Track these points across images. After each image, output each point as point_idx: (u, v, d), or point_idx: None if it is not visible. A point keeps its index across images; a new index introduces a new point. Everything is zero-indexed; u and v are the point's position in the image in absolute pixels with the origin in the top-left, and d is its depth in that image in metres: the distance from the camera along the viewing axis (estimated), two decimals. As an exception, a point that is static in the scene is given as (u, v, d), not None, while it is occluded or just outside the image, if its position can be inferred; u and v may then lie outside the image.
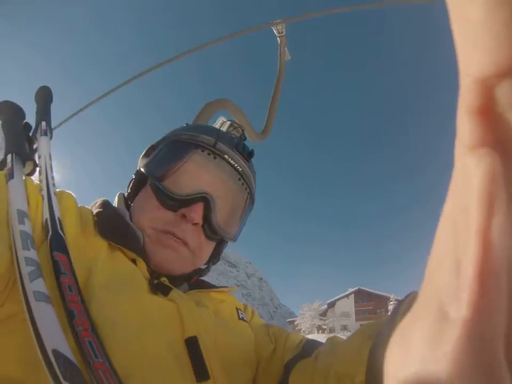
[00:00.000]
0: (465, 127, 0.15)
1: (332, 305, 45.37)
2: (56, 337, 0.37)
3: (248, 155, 0.77)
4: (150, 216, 0.68)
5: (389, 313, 0.43)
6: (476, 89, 0.14)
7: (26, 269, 0.42)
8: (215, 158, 0.70)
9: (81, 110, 2.01)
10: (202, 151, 0.70)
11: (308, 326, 41.69)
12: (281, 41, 1.77)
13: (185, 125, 0.82)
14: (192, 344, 0.52)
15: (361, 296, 44.57)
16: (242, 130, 0.87)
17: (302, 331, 40.38)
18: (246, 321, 0.75)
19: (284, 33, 1.74)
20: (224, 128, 0.85)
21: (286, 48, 1.80)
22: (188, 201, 0.66)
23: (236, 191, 0.76)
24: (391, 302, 35.70)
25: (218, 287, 0.79)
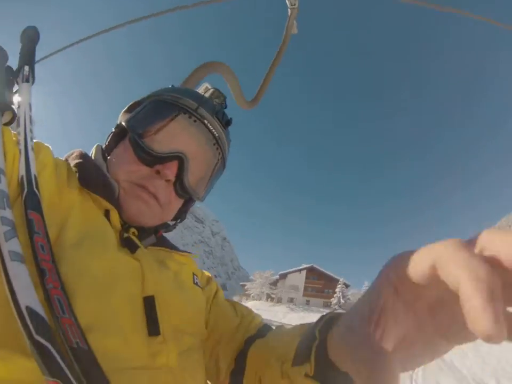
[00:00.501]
0: None
1: (283, 276, 47.20)
2: (29, 295, 0.39)
3: (226, 123, 0.81)
4: (126, 169, 0.71)
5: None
6: None
7: (1, 229, 0.43)
8: (195, 121, 0.74)
9: (60, 50, 1.95)
10: (184, 113, 0.73)
11: (257, 292, 43.28)
12: (291, 13, 1.69)
13: (170, 86, 0.85)
14: (149, 303, 0.56)
15: (313, 273, 47.59)
16: (225, 99, 0.89)
17: (251, 296, 43.34)
18: (200, 287, 0.80)
19: (296, 5, 1.66)
20: (207, 95, 0.87)
21: (295, 21, 1.74)
22: (164, 159, 0.70)
23: (210, 155, 0.80)
24: (339, 285, 39.40)
25: (181, 250, 0.83)
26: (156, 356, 0.53)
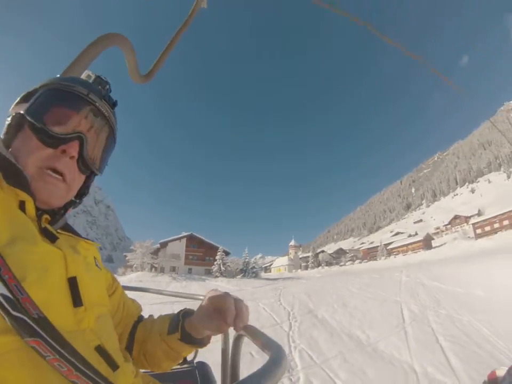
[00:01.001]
0: None
1: (164, 245, 46.91)
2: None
3: (113, 104, 0.99)
4: (34, 156, 0.79)
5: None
6: None
7: None
8: (88, 105, 0.88)
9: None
10: (78, 99, 0.87)
11: (139, 262, 41.76)
12: None
13: (58, 76, 0.94)
14: (72, 282, 0.73)
15: (193, 241, 48.40)
16: (108, 84, 1.01)
17: (134, 267, 42.07)
18: (100, 269, 0.96)
19: None
20: (91, 81, 0.99)
21: None
22: (67, 139, 0.82)
23: (103, 133, 0.95)
24: (219, 252, 40.38)
25: (87, 238, 0.97)
26: (81, 322, 0.72)
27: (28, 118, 0.80)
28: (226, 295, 0.86)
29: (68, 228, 0.92)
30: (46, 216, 0.80)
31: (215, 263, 41.01)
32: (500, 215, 68.64)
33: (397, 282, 16.83)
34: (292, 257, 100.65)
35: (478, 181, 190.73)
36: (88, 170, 0.92)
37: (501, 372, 1.51)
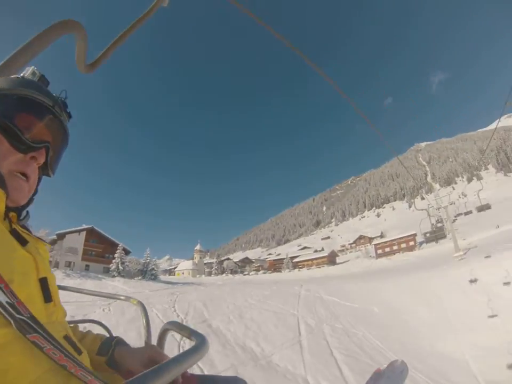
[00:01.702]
0: None
1: (61, 237, 42.46)
2: (1, 294, 0.62)
3: (70, 116, 1.08)
4: (7, 160, 0.87)
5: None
6: None
7: None
8: (54, 117, 0.98)
9: None
10: (45, 110, 0.96)
11: None
12: None
13: (21, 78, 1.00)
14: (43, 282, 0.84)
15: (93, 236, 44.87)
16: (48, 84, 1.08)
17: None
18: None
19: None
20: (35, 79, 1.05)
21: None
22: (36, 147, 0.92)
23: (62, 143, 1.06)
24: (118, 250, 38.26)
25: (40, 238, 1.02)
26: (51, 315, 0.85)
27: (4, 121, 0.87)
28: (166, 356, 1.01)
29: (25, 227, 0.98)
30: (12, 213, 0.89)
31: (113, 261, 38.03)
32: (398, 238, 74.76)
33: (296, 295, 16.76)
34: (197, 262, 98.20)
35: (384, 207, 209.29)
36: (45, 174, 1.05)
37: (383, 368, 1.73)
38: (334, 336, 9.33)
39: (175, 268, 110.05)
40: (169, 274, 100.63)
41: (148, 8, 1.64)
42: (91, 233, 44.51)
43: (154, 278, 39.99)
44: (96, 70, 1.45)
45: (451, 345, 8.77)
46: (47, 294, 0.84)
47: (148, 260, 41.05)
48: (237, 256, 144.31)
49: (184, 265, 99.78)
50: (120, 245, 40.38)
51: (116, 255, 38.25)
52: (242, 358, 7.92)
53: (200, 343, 0.82)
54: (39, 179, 1.05)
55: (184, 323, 10.91)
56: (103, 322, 2.08)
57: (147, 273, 40.02)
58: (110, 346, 1.08)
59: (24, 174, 0.90)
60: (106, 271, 39.18)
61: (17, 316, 0.63)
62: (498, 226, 42.73)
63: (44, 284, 0.84)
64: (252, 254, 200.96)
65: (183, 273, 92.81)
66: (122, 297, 2.02)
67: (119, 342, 1.12)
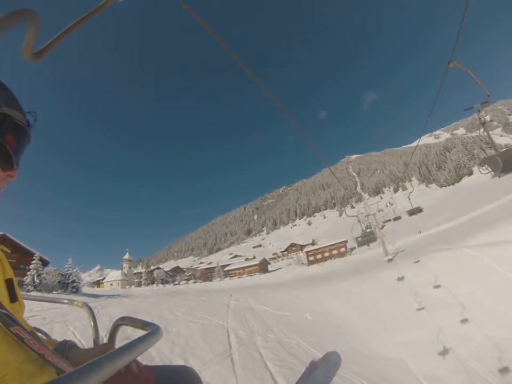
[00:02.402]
0: None
1: None
2: None
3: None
4: None
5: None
6: None
7: None
8: (27, 138, 1.02)
9: None
10: (24, 132, 0.99)
11: None
12: None
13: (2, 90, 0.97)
14: (9, 283, 0.92)
15: (5, 244, 35.26)
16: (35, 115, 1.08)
17: None
18: None
19: None
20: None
21: None
22: (13, 166, 0.96)
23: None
24: (34, 261, 35.27)
25: None
26: (17, 314, 0.88)
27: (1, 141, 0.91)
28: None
29: None
30: None
31: (28, 273, 34.05)
32: (330, 245, 76.33)
33: (225, 306, 16.10)
34: (126, 272, 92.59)
35: (315, 215, 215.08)
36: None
37: (318, 359, 1.85)
38: (267, 347, 8.87)
39: (103, 279, 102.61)
40: (98, 286, 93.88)
41: (101, 2, 1.55)
42: (3, 241, 37.20)
43: (76, 291, 36.69)
44: (42, 60, 1.32)
45: (387, 346, 8.80)
46: (13, 294, 0.90)
47: (70, 271, 37.32)
48: (169, 265, 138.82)
49: (113, 275, 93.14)
50: (36, 254, 36.37)
51: (31, 266, 34.36)
52: (168, 377, 7.11)
53: (152, 331, 0.85)
54: None
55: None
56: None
57: (68, 285, 36.53)
58: (65, 349, 1.09)
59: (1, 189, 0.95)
60: (21, 285, 34.46)
61: (1, 310, 0.72)
62: (420, 232, 46.05)
63: (9, 285, 0.90)
64: (184, 262, 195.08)
65: (111, 284, 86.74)
66: (65, 301, 1.94)
67: (73, 345, 1.14)
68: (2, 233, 38.62)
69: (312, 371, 1.76)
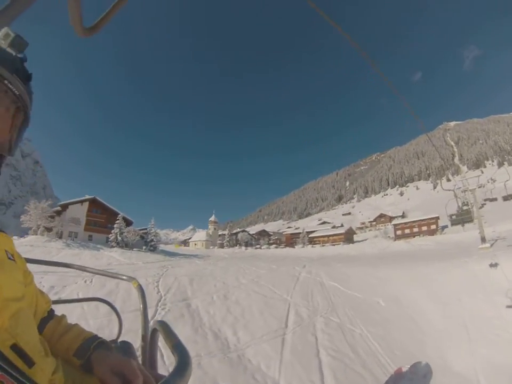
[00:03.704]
0: None
1: (65, 208, 42.66)
2: None
3: (26, 78, 0.85)
4: None
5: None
6: None
7: None
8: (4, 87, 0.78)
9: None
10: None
11: (33, 226, 36.73)
12: None
13: None
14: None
15: (95, 206, 44.70)
16: (25, 46, 0.87)
17: (32, 230, 36.91)
18: (13, 260, 0.90)
19: None
20: (6, 42, 0.83)
21: None
22: None
23: (14, 113, 0.83)
24: (117, 221, 37.73)
25: (1, 230, 0.92)
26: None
27: None
28: (137, 375, 0.82)
29: None
30: None
31: (112, 231, 37.57)
32: (420, 220, 72.11)
33: (294, 278, 15.36)
34: (211, 233, 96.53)
35: (408, 186, 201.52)
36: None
37: (405, 369, 1.80)
38: (326, 332, 8.01)
39: (189, 239, 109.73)
40: (185, 245, 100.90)
41: None
42: (93, 203, 44.49)
43: (153, 249, 39.67)
44: (96, 34, 1.07)
45: (464, 359, 6.90)
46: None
47: (149, 230, 40.51)
48: (257, 228, 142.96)
49: (198, 236, 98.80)
50: (120, 215, 39.77)
51: (115, 225, 37.84)
52: (211, 347, 7.03)
53: (180, 367, 0.72)
54: None
55: (161, 301, 10.26)
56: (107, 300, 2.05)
57: (147, 244, 39.75)
58: (88, 350, 0.98)
59: None
60: (107, 241, 39.08)
61: None
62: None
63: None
64: (272, 226, 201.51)
65: (195, 244, 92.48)
66: (124, 277, 1.87)
67: (100, 345, 1.01)
68: (92, 196, 44.56)
69: (396, 381, 1.73)
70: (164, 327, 1.01)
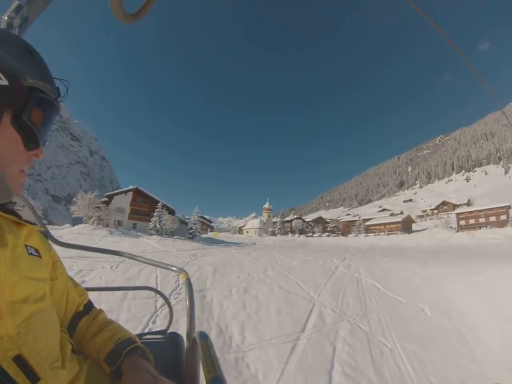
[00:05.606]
0: None
1: (111, 198, 47.25)
2: None
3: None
4: (18, 160, 0.77)
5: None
6: None
7: None
8: (56, 111, 0.85)
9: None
10: (53, 107, 0.84)
11: (83, 215, 41.20)
12: None
13: (29, 55, 0.80)
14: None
15: (139, 195, 48.53)
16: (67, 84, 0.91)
17: (84, 220, 41.16)
18: (38, 256, 0.84)
19: None
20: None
21: None
22: (38, 144, 0.81)
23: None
24: (157, 209, 40.03)
25: (29, 222, 0.86)
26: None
27: (25, 120, 0.74)
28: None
29: (14, 212, 0.82)
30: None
31: (152, 219, 39.53)
32: (487, 209, 65.76)
33: (329, 272, 14.05)
34: (265, 221, 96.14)
35: (475, 171, 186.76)
36: None
37: None
38: (349, 342, 6.81)
39: (243, 226, 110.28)
40: (239, 233, 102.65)
41: None
42: (137, 193, 48.29)
43: (192, 237, 41.51)
44: (139, 21, 1.25)
45: None
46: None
47: (188, 219, 41.63)
48: (317, 215, 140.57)
49: (252, 223, 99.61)
50: (159, 203, 41.84)
51: (155, 213, 39.94)
52: (211, 347, 6.31)
53: None
54: None
55: (175, 291, 9.92)
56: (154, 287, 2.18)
57: (186, 232, 41.98)
58: (120, 357, 0.91)
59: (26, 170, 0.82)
60: (147, 229, 41.53)
61: None
62: None
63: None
64: (333, 213, 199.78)
65: (247, 232, 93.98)
66: (174, 269, 1.85)
67: (133, 351, 0.94)
68: (135, 187, 48.42)
69: None
70: (203, 338, 0.86)
